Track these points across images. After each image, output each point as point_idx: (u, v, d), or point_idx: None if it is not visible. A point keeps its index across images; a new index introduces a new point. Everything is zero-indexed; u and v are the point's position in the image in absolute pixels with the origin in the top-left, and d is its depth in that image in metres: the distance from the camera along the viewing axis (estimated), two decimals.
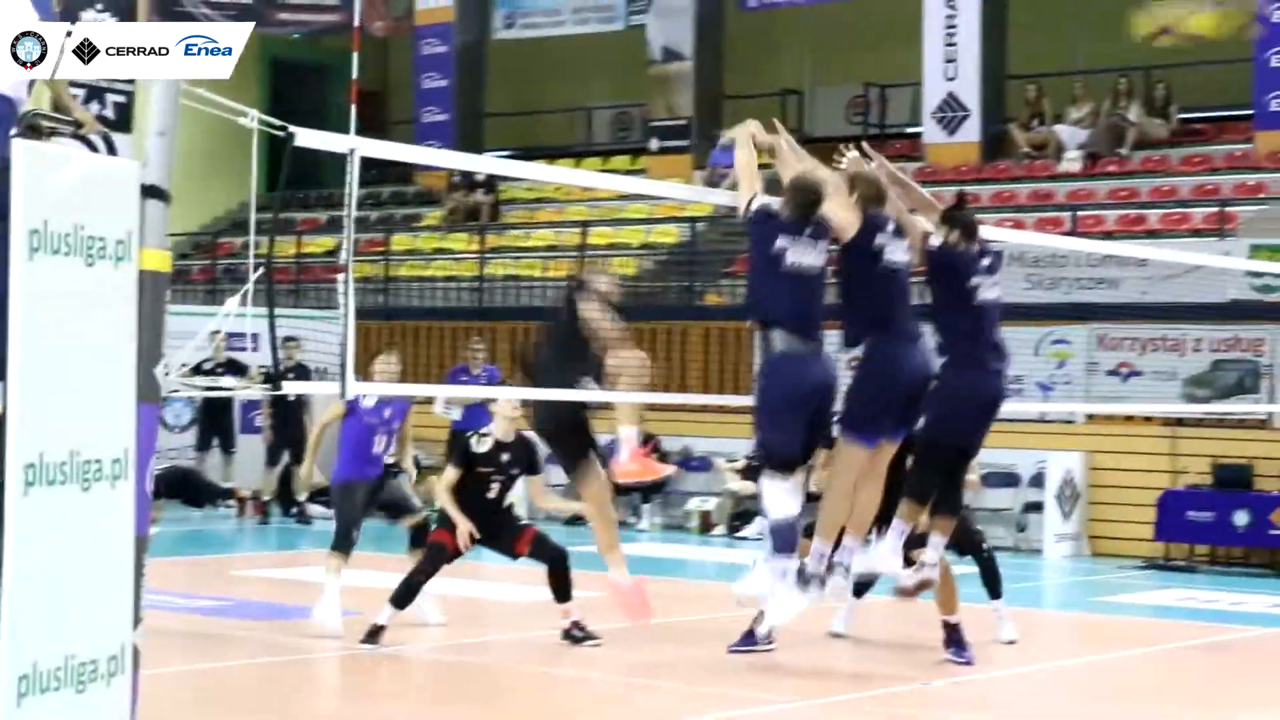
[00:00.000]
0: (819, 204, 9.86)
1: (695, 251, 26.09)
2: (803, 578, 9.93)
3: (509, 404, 12.49)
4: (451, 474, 12.50)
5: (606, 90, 32.50)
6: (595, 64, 32.29)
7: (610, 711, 10.34)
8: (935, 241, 10.49)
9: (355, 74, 8.15)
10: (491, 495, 12.48)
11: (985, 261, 10.65)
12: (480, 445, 12.49)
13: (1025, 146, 26.11)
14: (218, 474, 23.18)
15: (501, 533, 12.62)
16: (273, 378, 6.93)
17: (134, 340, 6.15)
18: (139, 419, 6.16)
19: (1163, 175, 24.75)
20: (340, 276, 7.09)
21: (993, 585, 12.74)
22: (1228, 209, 22.37)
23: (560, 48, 31.78)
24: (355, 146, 7.16)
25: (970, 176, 26.05)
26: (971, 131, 26.41)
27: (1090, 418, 21.17)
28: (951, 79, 26.42)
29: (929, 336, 10.52)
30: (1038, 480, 20.58)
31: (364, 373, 11.86)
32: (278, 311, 7.02)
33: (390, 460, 13.45)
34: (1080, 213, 23.29)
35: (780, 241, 9.77)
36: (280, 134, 6.82)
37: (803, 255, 9.83)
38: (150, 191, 6.29)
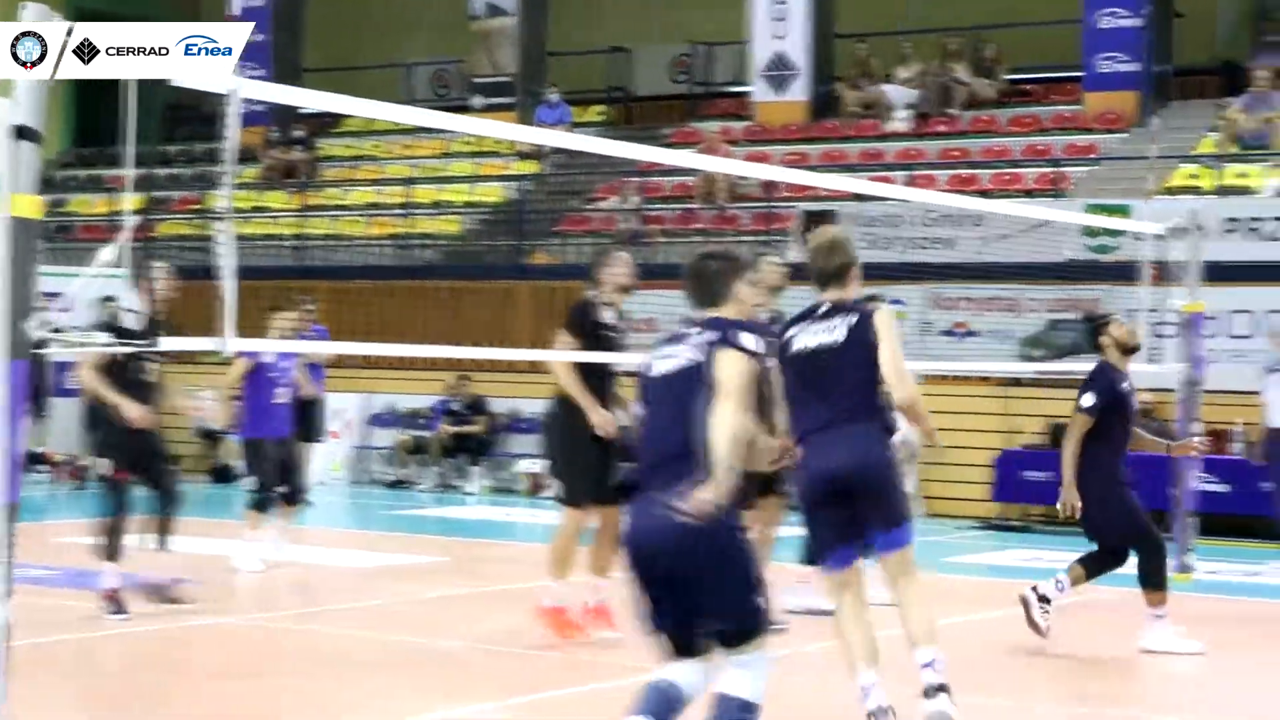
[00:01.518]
0: None
1: (522, 210, 25.68)
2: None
3: (165, 281, 11.27)
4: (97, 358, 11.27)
5: (426, 46, 31.87)
6: (414, 18, 31.70)
7: (459, 678, 10.05)
8: None
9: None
10: (149, 378, 11.45)
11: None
12: (128, 321, 10.98)
13: (854, 106, 26.02)
14: (29, 438, 22.40)
15: (155, 447, 11.69)
16: (150, 332, 6.49)
17: (3, 292, 5.86)
18: (10, 377, 5.90)
19: (992, 136, 24.80)
20: (220, 226, 6.65)
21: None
22: (1061, 169, 22.41)
23: (379, 1, 31.16)
24: (235, 88, 6.71)
25: (798, 136, 25.96)
26: (800, 90, 26.28)
27: (925, 378, 21.06)
28: (780, 37, 26.24)
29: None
30: None
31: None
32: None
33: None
34: (912, 172, 23.23)
35: None
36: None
37: None
38: (21, 132, 5.99)
